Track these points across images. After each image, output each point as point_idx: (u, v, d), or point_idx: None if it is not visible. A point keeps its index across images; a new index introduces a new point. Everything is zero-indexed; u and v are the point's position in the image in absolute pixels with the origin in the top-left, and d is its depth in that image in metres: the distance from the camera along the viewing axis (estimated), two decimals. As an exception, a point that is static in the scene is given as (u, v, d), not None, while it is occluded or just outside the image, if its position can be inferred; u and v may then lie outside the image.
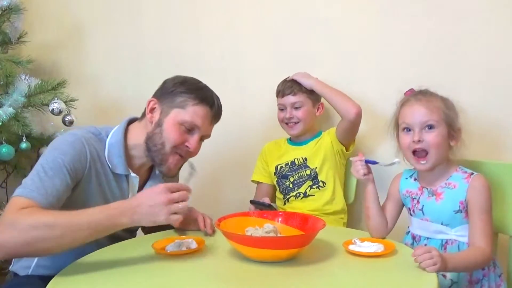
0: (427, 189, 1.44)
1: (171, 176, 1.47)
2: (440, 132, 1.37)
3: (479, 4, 1.80)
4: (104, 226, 1.16)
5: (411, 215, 1.48)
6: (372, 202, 1.48)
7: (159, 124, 1.41)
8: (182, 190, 1.21)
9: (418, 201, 1.45)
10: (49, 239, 1.12)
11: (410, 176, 1.51)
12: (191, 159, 1.44)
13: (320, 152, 1.89)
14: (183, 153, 1.43)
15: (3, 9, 2.15)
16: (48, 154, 1.29)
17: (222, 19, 2.23)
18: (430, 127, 1.37)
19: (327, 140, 1.89)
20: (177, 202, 1.19)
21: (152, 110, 1.43)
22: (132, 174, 1.43)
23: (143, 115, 1.47)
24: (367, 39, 1.99)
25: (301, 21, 2.08)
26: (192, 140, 1.41)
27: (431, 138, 1.37)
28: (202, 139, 1.46)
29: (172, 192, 1.20)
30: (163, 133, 1.40)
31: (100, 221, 1.16)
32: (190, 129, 1.41)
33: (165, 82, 1.47)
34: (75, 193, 1.32)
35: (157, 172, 1.50)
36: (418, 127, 1.38)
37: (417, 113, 1.38)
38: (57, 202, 1.24)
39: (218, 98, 1.47)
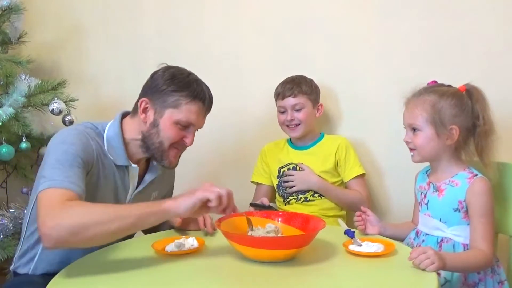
0: (433, 184, 1.46)
1: (173, 167, 1.51)
2: (424, 134, 1.41)
3: (479, 4, 1.80)
4: (149, 211, 1.20)
5: (419, 210, 1.51)
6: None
7: (154, 124, 1.42)
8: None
9: (425, 196, 1.48)
10: (98, 225, 1.14)
11: (426, 172, 1.53)
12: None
13: (322, 161, 1.89)
14: (180, 147, 1.47)
15: (3, 9, 2.15)
16: (57, 148, 1.29)
17: (222, 19, 2.22)
18: (415, 129, 1.43)
19: (332, 155, 1.89)
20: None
21: (144, 110, 1.43)
22: (133, 165, 1.45)
23: (135, 111, 1.46)
24: (366, 39, 1.98)
25: (301, 21, 2.08)
26: (189, 135, 1.45)
27: (415, 139, 1.44)
28: (196, 130, 1.49)
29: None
30: (160, 133, 1.41)
31: (145, 208, 1.20)
32: (185, 126, 1.43)
33: (153, 79, 1.45)
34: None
35: (154, 163, 1.51)
36: (408, 129, 1.46)
37: (405, 116, 1.46)
38: (85, 189, 1.25)
39: (208, 88, 1.47)
